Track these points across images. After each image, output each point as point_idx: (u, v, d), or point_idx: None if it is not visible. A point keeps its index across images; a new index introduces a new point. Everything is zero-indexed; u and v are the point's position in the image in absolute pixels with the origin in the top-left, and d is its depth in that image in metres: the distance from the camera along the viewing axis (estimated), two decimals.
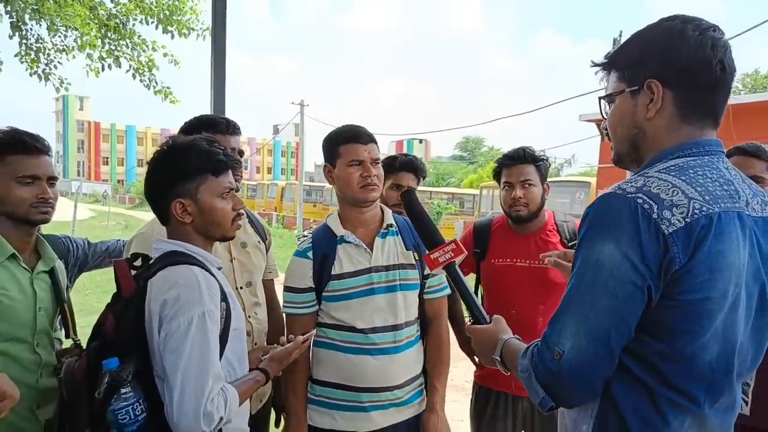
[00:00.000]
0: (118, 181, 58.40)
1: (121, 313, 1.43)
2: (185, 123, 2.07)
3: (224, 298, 1.46)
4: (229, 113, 2.45)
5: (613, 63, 1.20)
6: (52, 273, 1.82)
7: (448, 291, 2.10)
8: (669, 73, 1.11)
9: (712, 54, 1.08)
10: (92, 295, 7.33)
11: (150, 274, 1.43)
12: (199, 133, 1.70)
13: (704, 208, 1.01)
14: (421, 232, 1.63)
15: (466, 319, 1.59)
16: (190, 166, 1.48)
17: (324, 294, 1.92)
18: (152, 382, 1.37)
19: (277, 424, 2.17)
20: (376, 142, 1.97)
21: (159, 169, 1.50)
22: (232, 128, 2.04)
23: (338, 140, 1.94)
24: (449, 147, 55.91)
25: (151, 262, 1.51)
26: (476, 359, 2.44)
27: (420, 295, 2.02)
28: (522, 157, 2.33)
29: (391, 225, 2.00)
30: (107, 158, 66.49)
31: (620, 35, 14.31)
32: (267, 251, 2.22)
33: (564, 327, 1.07)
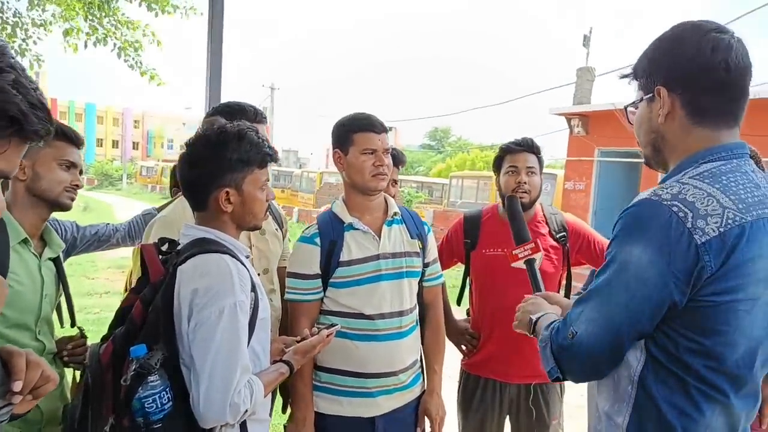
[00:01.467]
0: None
1: (148, 299, 1.41)
2: (212, 109, 2.09)
3: (253, 287, 1.45)
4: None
5: (633, 74, 1.27)
6: (56, 260, 1.81)
7: (443, 279, 2.22)
8: (673, 79, 1.17)
9: (712, 56, 1.12)
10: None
11: (180, 260, 1.40)
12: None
13: (737, 218, 1.05)
14: (514, 229, 1.89)
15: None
16: (243, 157, 1.47)
17: (331, 280, 1.94)
18: (178, 371, 1.36)
19: (284, 410, 2.17)
20: (388, 132, 2.00)
21: (207, 156, 1.46)
22: (259, 116, 2.05)
23: (353, 127, 1.95)
24: (418, 136, 56.10)
25: (179, 248, 1.48)
26: (463, 348, 2.49)
27: (419, 282, 2.08)
28: (529, 145, 2.38)
29: (396, 213, 2.05)
30: None
31: (590, 32, 14.57)
32: (284, 239, 2.22)
33: (583, 312, 1.16)
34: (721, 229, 1.04)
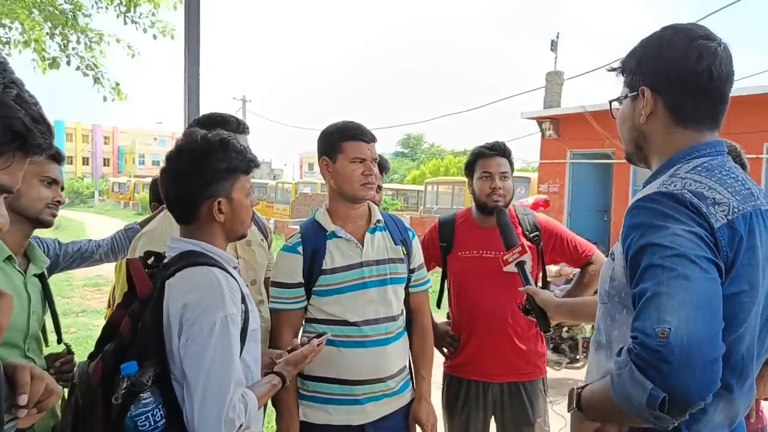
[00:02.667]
0: None
1: (137, 314, 1.38)
2: (194, 120, 2.07)
3: (243, 299, 1.43)
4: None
5: (620, 69, 1.29)
6: (41, 276, 1.79)
7: (430, 285, 2.22)
8: (658, 81, 1.20)
9: (697, 63, 1.15)
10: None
11: (167, 274, 1.38)
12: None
13: (740, 207, 1.07)
14: (504, 238, 1.96)
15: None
16: (231, 165, 1.45)
17: (315, 289, 1.94)
18: (170, 387, 1.34)
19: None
20: (376, 142, 2.00)
21: (194, 168, 1.43)
22: (242, 127, 2.04)
23: (342, 136, 1.95)
24: (391, 144, 56.15)
25: (166, 261, 1.46)
26: (444, 351, 2.50)
27: (405, 288, 2.09)
28: (502, 149, 2.42)
29: (379, 221, 2.05)
30: None
31: (557, 37, 14.88)
32: (269, 249, 2.21)
33: (661, 306, 0.96)
34: (729, 217, 1.05)
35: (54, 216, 1.79)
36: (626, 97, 1.27)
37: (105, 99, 5.56)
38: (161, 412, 1.28)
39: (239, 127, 2.02)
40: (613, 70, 1.31)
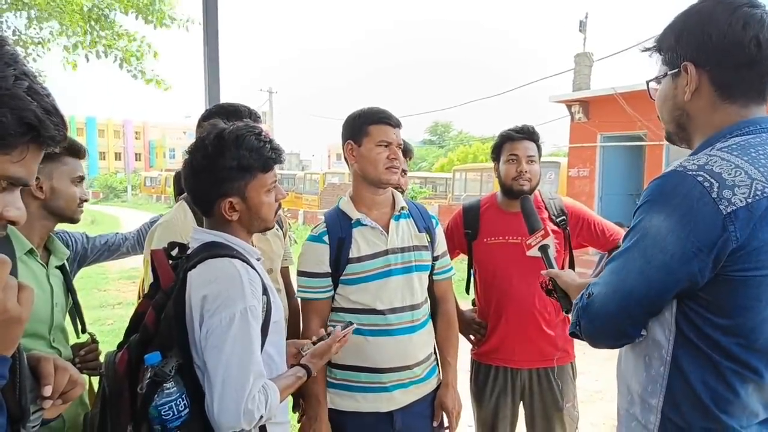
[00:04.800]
0: None
1: (161, 306, 1.40)
2: (206, 111, 2.07)
3: (265, 290, 1.43)
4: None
5: (657, 47, 1.24)
6: (62, 268, 1.83)
7: (453, 272, 2.22)
8: (702, 55, 1.15)
9: (743, 33, 1.10)
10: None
11: (190, 265, 1.38)
12: None
13: (766, 190, 1.03)
14: (527, 222, 1.93)
15: None
16: (242, 164, 1.42)
17: (342, 278, 1.94)
18: (194, 376, 1.35)
19: (294, 409, 2.16)
20: (401, 127, 1.99)
21: (206, 164, 1.42)
22: (254, 116, 2.03)
23: (369, 119, 1.95)
24: (419, 132, 55.85)
25: (189, 252, 1.47)
26: (471, 338, 2.50)
27: (429, 276, 2.08)
28: (529, 132, 2.38)
29: (403, 207, 2.04)
30: None
31: (586, 17, 14.52)
32: (284, 238, 2.22)
33: (603, 275, 1.18)
34: (749, 200, 1.01)
35: (81, 213, 1.84)
36: (665, 75, 1.22)
37: (154, 87, 5.69)
38: (185, 401, 1.30)
39: (250, 116, 2.01)
40: (647, 50, 1.26)
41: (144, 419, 1.29)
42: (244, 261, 1.41)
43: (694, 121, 1.19)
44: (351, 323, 1.76)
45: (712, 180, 1.03)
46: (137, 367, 1.35)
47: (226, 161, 1.40)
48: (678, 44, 1.18)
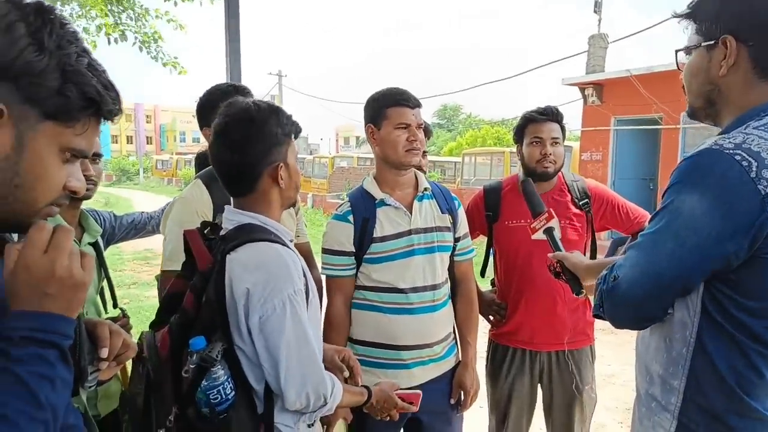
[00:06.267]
0: None
1: (200, 289, 1.38)
2: (207, 92, 2.06)
3: (303, 272, 1.43)
4: (203, 85, 2.35)
5: (692, 15, 1.18)
6: (95, 245, 1.86)
7: (474, 253, 2.24)
8: (745, 29, 1.10)
9: None
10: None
11: (228, 248, 1.36)
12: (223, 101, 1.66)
13: None
14: (530, 206, 1.91)
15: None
16: (285, 129, 1.44)
17: (366, 256, 1.97)
18: (236, 360, 1.36)
19: None
20: (421, 107, 1.99)
21: (254, 135, 1.41)
22: (245, 93, 2.03)
23: (387, 102, 1.96)
24: (427, 115, 55.40)
25: (224, 233, 1.45)
26: (491, 318, 2.49)
27: (450, 257, 2.10)
28: (554, 114, 2.35)
29: (426, 188, 2.05)
30: None
31: None
32: (296, 215, 2.22)
33: (628, 257, 1.14)
34: None
35: (87, 190, 1.77)
36: (698, 46, 1.16)
37: (170, 70, 5.65)
38: (231, 384, 1.31)
39: (244, 93, 2.01)
40: (679, 16, 1.20)
41: (191, 403, 1.31)
42: (282, 244, 1.41)
43: (726, 97, 1.15)
44: (419, 392, 1.80)
45: (751, 159, 0.99)
46: (180, 350, 1.36)
47: (273, 128, 1.42)
48: (719, 15, 1.12)
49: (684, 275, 1.07)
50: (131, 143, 58.56)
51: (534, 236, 1.89)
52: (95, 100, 0.77)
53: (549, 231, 1.87)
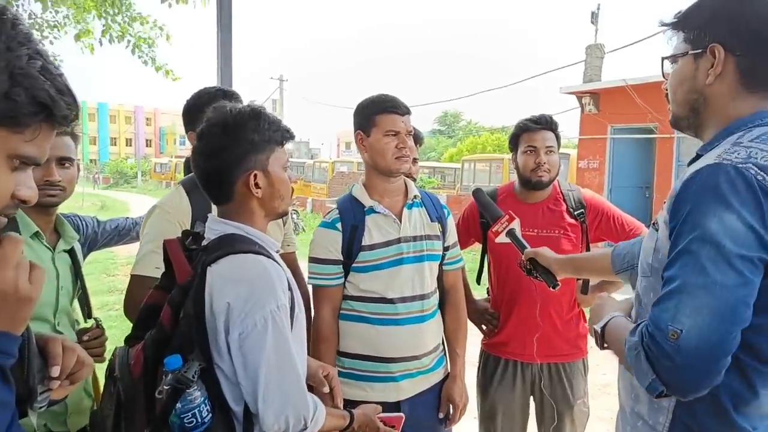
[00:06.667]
0: (91, 161, 57.04)
1: (177, 303, 1.30)
2: (194, 95, 2.01)
3: (289, 285, 1.36)
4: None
5: (680, 23, 1.16)
6: (71, 252, 1.80)
7: (463, 263, 2.21)
8: (734, 39, 1.08)
9: None
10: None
11: (209, 260, 1.29)
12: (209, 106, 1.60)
13: None
14: (488, 214, 1.91)
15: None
16: (264, 136, 1.37)
17: (354, 265, 1.93)
18: (215, 380, 1.26)
19: None
20: (410, 114, 1.97)
21: (227, 141, 1.34)
22: (234, 98, 1.98)
23: (376, 109, 1.94)
24: (428, 122, 55.49)
25: (206, 243, 1.38)
26: (483, 328, 2.45)
27: (439, 266, 2.07)
28: (548, 122, 2.33)
29: (416, 196, 2.03)
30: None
31: (598, 8, 14.32)
32: (284, 225, 2.17)
33: (681, 304, 0.96)
34: None
35: (52, 196, 1.70)
36: (686, 54, 1.14)
37: (163, 76, 5.59)
38: (207, 407, 1.22)
39: (229, 98, 1.96)
40: (667, 25, 1.18)
41: (164, 426, 1.21)
42: (266, 256, 1.33)
43: (711, 107, 1.13)
44: (401, 415, 1.72)
45: (763, 173, 0.97)
46: (154, 369, 1.27)
47: (249, 133, 1.35)
48: (708, 24, 1.11)
49: (750, 303, 0.96)
50: (130, 146, 58.56)
51: (498, 239, 1.86)
52: (47, 104, 0.73)
53: (511, 233, 1.86)
